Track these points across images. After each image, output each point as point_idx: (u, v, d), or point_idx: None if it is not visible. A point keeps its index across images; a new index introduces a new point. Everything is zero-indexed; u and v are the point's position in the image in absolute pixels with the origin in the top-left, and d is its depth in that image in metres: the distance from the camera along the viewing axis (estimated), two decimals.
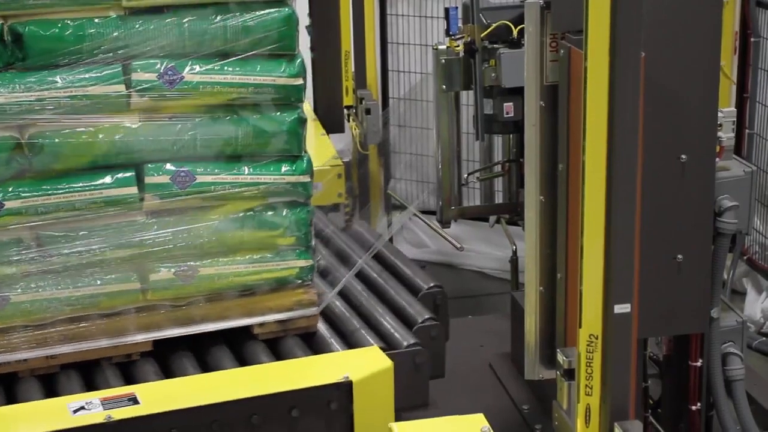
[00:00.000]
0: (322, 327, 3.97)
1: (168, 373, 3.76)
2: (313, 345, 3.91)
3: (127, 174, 3.67)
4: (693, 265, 3.70)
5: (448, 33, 5.24)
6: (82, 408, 3.39)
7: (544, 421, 4.51)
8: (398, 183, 7.48)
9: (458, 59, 5.14)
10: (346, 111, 6.28)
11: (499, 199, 5.84)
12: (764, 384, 4.76)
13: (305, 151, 3.85)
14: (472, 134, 5.35)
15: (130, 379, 3.71)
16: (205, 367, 3.77)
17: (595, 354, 3.23)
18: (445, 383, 4.49)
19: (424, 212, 6.52)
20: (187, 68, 3.65)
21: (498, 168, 5.59)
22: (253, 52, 3.72)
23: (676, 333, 3.92)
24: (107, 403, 3.39)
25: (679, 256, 3.68)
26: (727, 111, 3.73)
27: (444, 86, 5.19)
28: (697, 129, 3.62)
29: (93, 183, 3.64)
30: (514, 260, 5.53)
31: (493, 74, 4.92)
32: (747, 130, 6.00)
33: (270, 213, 3.84)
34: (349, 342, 3.90)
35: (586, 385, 3.26)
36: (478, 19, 5.00)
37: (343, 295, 4.22)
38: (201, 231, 3.76)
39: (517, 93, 4.73)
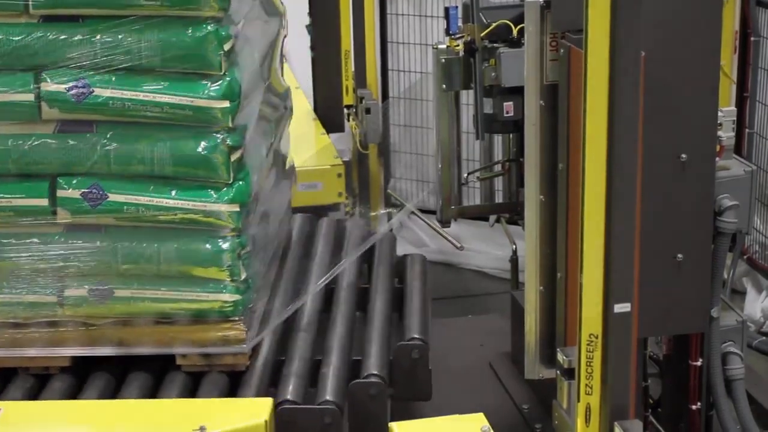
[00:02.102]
0: (260, 366, 3.82)
1: (74, 392, 3.72)
2: (236, 385, 3.76)
3: (39, 185, 3.63)
4: (693, 264, 3.70)
5: (448, 32, 5.23)
6: None
7: (544, 420, 4.51)
8: (398, 182, 7.48)
9: (458, 58, 5.14)
10: (346, 110, 6.29)
11: (499, 198, 5.84)
12: (764, 383, 4.75)
13: (239, 179, 3.68)
14: (472, 133, 5.34)
15: (36, 394, 3.70)
16: (115, 391, 3.72)
17: (595, 353, 3.23)
18: (445, 383, 4.49)
19: (424, 211, 6.52)
20: (99, 82, 3.56)
21: (498, 167, 5.58)
22: (171, 70, 3.58)
23: (676, 332, 3.92)
24: None
25: (679, 256, 3.68)
26: (727, 110, 3.73)
27: (444, 85, 5.19)
28: (697, 128, 3.62)
29: (3, 191, 3.62)
30: (514, 259, 5.53)
31: (493, 73, 4.91)
32: (747, 130, 6.00)
33: (190, 241, 3.69)
34: (276, 387, 3.75)
35: (587, 385, 3.26)
36: (478, 18, 4.99)
37: (312, 330, 4.06)
38: (116, 251, 3.67)
39: (517, 92, 4.72)
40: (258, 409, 3.48)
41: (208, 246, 3.68)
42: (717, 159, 3.70)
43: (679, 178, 3.62)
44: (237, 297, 3.72)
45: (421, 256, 4.91)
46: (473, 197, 6.76)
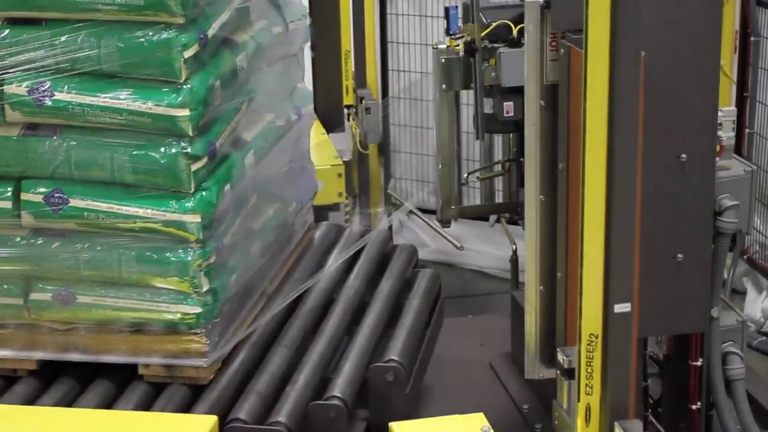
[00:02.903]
0: (225, 381, 3.74)
1: (36, 396, 3.69)
2: (195, 399, 3.68)
3: (3, 187, 3.62)
4: (693, 264, 3.70)
5: (448, 32, 5.23)
6: None
7: (544, 420, 4.51)
8: (398, 182, 7.48)
9: (458, 58, 5.14)
10: (346, 110, 6.29)
11: (499, 198, 5.84)
12: (764, 383, 4.75)
13: (203, 189, 3.61)
14: (472, 133, 5.34)
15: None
16: (76, 397, 3.69)
17: (595, 353, 3.22)
18: (445, 382, 4.50)
19: (424, 211, 6.52)
20: (60, 87, 3.53)
21: (498, 167, 5.58)
22: (132, 76, 3.53)
23: (676, 332, 3.91)
24: None
25: (679, 256, 3.68)
26: (727, 110, 3.73)
27: (444, 85, 5.19)
28: (697, 128, 3.62)
29: None
30: (514, 259, 5.53)
31: (493, 73, 4.91)
32: (747, 130, 6.00)
33: (150, 250, 3.64)
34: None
35: (587, 385, 3.26)
36: (478, 18, 4.99)
37: (294, 345, 3.97)
38: (79, 257, 3.65)
39: (517, 92, 4.72)
40: (198, 426, 3.38)
41: (168, 256, 3.63)
42: (717, 159, 3.70)
43: (679, 178, 3.62)
44: (198, 309, 3.65)
45: (432, 273, 4.78)
46: (473, 197, 6.76)
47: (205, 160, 3.61)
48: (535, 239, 4.09)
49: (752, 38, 5.92)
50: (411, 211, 6.74)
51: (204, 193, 3.62)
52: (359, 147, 6.19)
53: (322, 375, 3.86)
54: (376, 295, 4.42)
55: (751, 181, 3.79)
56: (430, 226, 6.04)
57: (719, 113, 3.66)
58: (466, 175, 5.57)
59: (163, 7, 3.48)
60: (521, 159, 4.92)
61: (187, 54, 3.53)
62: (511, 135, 5.32)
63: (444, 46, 5.20)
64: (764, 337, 6.01)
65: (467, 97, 5.46)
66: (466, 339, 5.27)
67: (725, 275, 3.93)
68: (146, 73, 3.54)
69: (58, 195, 3.60)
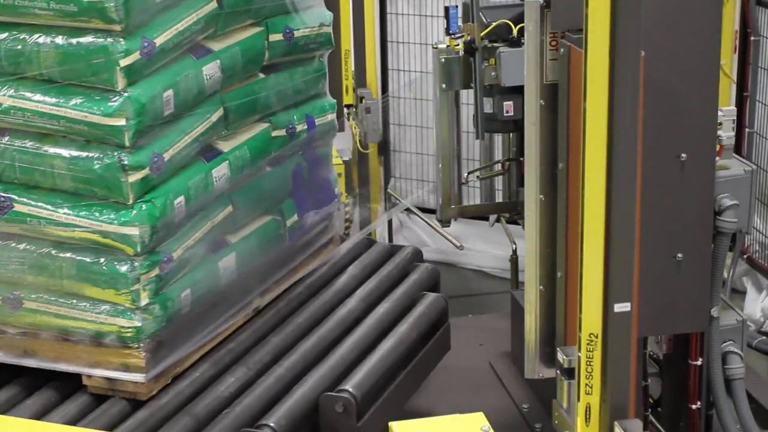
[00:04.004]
0: (167, 398, 3.66)
1: None
2: (132, 413, 3.61)
3: None
4: (693, 263, 3.70)
5: (448, 32, 5.23)
6: None
7: (544, 420, 4.51)
8: (398, 182, 7.47)
9: (458, 58, 5.14)
10: (345, 110, 6.28)
11: (499, 197, 5.84)
12: (764, 383, 4.76)
13: (144, 201, 3.53)
14: (472, 133, 5.35)
15: None
16: (17, 403, 3.66)
17: (595, 353, 3.22)
18: (445, 382, 4.49)
19: (424, 211, 6.52)
20: (2, 90, 3.51)
21: (498, 167, 5.58)
22: (71, 83, 3.47)
23: (676, 332, 3.92)
24: None
25: (679, 255, 3.68)
26: (726, 110, 3.73)
27: (444, 85, 5.19)
28: (697, 128, 3.62)
29: None
30: (514, 259, 5.53)
31: (493, 73, 4.91)
32: (747, 129, 6.00)
33: (89, 260, 3.58)
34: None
35: (586, 384, 3.26)
36: (478, 17, 5.00)
37: (257, 366, 3.85)
38: (25, 262, 3.61)
39: (517, 92, 4.72)
40: None
41: (106, 267, 3.56)
42: (717, 158, 3.70)
43: (679, 177, 3.63)
44: (137, 323, 3.57)
45: (435, 297, 4.52)
46: (473, 197, 6.76)
47: (145, 171, 3.53)
48: (534, 239, 4.09)
49: (752, 38, 5.92)
50: (411, 211, 6.73)
51: (145, 205, 3.54)
52: (359, 147, 6.19)
53: (272, 399, 3.73)
54: (368, 318, 4.27)
55: (750, 181, 3.79)
56: (430, 226, 6.03)
57: (719, 113, 3.66)
58: (466, 174, 5.57)
59: (98, 13, 3.42)
60: (521, 158, 4.93)
61: (125, 62, 3.46)
62: (510, 134, 5.33)
63: (444, 46, 5.20)
64: (764, 337, 6.00)
65: (467, 96, 5.46)
66: (465, 339, 5.27)
67: (725, 275, 3.93)
68: (84, 80, 3.48)
69: (4, 198, 3.57)
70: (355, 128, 6.23)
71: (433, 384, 4.64)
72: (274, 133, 4.25)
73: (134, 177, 3.50)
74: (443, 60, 5.16)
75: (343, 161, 5.89)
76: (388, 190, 6.74)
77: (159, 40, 3.57)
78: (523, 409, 4.74)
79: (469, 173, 5.65)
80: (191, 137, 3.76)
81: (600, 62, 3.03)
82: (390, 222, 6.81)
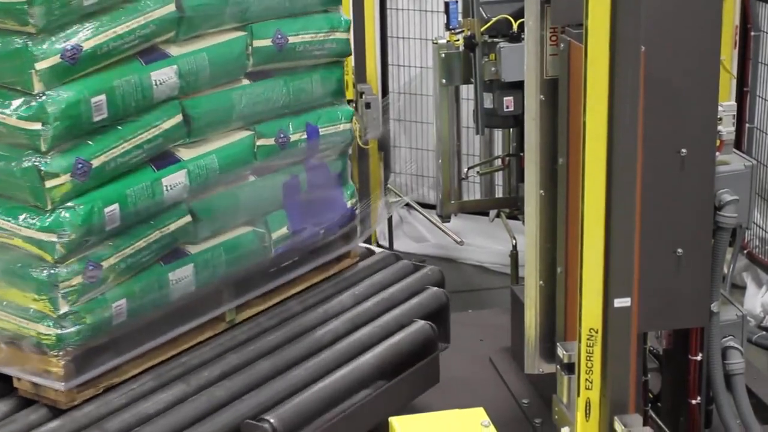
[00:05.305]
0: (88, 408, 3.56)
1: None
2: (50, 421, 3.52)
3: None
4: (693, 259, 3.70)
5: (448, 27, 5.23)
6: None
7: (544, 415, 4.51)
8: (398, 177, 7.47)
9: (458, 53, 5.14)
10: None
11: (499, 193, 5.84)
12: (764, 378, 4.76)
13: (64, 208, 3.43)
14: (472, 128, 5.35)
15: None
16: None
17: (595, 348, 3.23)
18: (445, 378, 4.49)
19: (424, 206, 6.52)
20: None
21: (498, 162, 5.59)
22: None
23: (676, 327, 3.92)
24: None
25: (679, 250, 3.68)
26: (727, 105, 3.73)
27: (444, 80, 5.19)
28: (697, 123, 3.62)
29: None
30: (514, 254, 5.53)
31: (493, 68, 4.92)
32: (747, 124, 5.99)
33: (13, 263, 3.50)
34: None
35: (586, 379, 3.26)
36: (478, 13, 5.00)
37: (197, 384, 3.74)
38: None
39: (517, 87, 4.72)
40: None
41: (28, 272, 3.48)
42: (717, 154, 3.70)
43: (679, 172, 3.63)
44: (57, 331, 3.48)
45: (422, 326, 4.29)
46: (473, 192, 6.76)
47: (66, 177, 3.42)
48: (535, 234, 4.09)
49: (752, 33, 5.91)
50: (411, 206, 6.73)
51: (67, 212, 3.44)
52: (359, 142, 6.19)
53: (190, 421, 3.60)
54: (339, 343, 4.10)
55: (751, 176, 3.79)
56: (430, 221, 6.04)
57: (719, 108, 3.66)
58: (465, 169, 5.58)
59: (12, 15, 3.33)
60: (521, 154, 4.93)
61: (42, 66, 3.35)
62: (510, 130, 5.33)
63: (444, 41, 5.20)
64: (764, 332, 6.00)
65: (467, 91, 5.46)
66: (466, 334, 5.28)
67: (725, 270, 3.93)
68: (4, 82, 3.39)
69: None
70: (355, 124, 6.23)
71: None
72: (260, 142, 4.09)
73: (53, 183, 3.40)
74: (443, 55, 5.17)
75: None
76: (388, 186, 6.74)
77: (88, 44, 3.44)
78: (523, 404, 4.75)
79: (469, 169, 5.66)
80: (132, 144, 3.62)
81: (600, 57, 3.03)
82: (390, 218, 6.80)
